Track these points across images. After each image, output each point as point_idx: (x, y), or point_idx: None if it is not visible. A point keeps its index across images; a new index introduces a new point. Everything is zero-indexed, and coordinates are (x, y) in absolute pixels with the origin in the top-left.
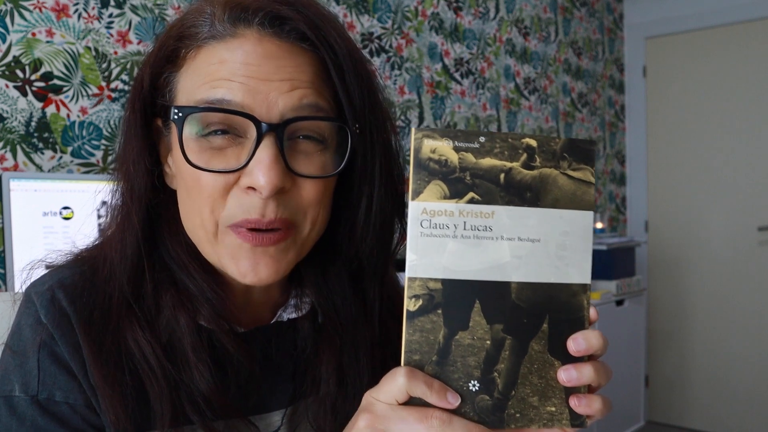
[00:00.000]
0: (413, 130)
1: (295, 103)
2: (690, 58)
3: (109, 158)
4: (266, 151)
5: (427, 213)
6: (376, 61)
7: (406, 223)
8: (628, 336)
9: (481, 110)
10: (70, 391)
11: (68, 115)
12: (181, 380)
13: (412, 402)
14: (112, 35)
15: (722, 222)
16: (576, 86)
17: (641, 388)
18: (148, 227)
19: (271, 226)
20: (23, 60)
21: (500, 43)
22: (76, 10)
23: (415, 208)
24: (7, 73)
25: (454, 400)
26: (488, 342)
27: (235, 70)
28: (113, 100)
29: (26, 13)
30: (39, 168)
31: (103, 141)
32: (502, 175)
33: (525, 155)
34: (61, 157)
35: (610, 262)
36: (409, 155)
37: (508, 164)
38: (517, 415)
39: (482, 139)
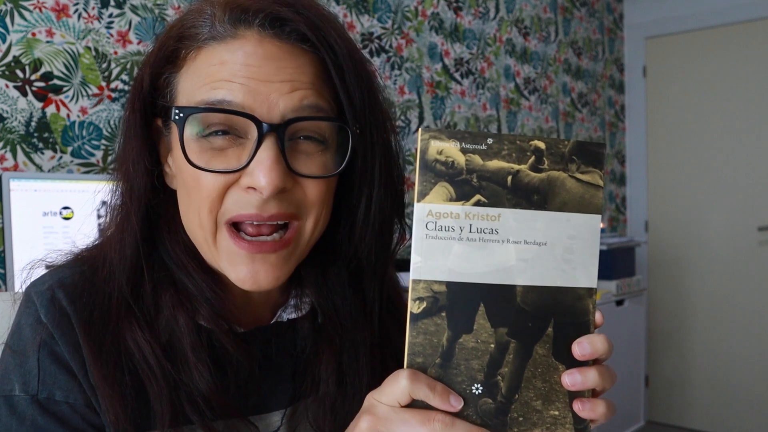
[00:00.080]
0: (420, 130)
1: (296, 104)
2: (690, 58)
3: (109, 158)
4: (267, 151)
5: (432, 215)
6: (376, 61)
7: (405, 224)
8: (628, 336)
9: (481, 110)
10: (70, 391)
11: (68, 115)
12: (181, 380)
13: (414, 405)
14: (112, 35)
15: (722, 222)
16: (576, 86)
17: (641, 388)
18: (147, 227)
19: (272, 219)
20: (23, 60)
21: (500, 43)
22: (76, 10)
23: (420, 210)
24: (7, 73)
25: (456, 403)
26: (492, 345)
27: (236, 72)
28: (113, 100)
29: (26, 13)
30: (39, 168)
31: (103, 141)
32: (510, 178)
33: (533, 157)
34: (61, 157)
35: (610, 262)
36: (409, 155)
37: (516, 166)
38: (520, 418)
39: (490, 140)
